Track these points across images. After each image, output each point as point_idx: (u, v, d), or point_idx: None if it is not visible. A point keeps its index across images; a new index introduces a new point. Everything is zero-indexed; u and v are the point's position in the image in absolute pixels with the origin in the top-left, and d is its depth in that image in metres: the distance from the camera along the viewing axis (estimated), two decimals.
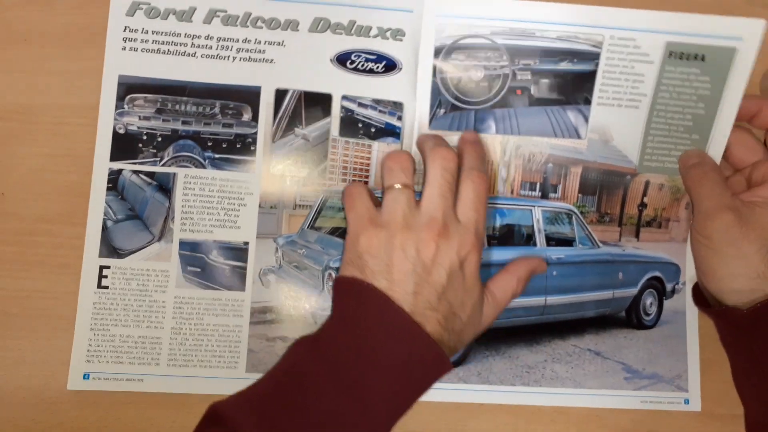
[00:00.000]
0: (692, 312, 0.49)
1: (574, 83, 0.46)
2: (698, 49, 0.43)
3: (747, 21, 0.43)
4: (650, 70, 0.44)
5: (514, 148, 0.47)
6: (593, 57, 0.45)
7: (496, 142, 0.47)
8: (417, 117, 0.46)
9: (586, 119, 0.46)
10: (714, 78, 0.44)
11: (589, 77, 0.45)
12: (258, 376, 0.46)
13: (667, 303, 0.49)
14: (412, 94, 0.46)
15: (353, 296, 0.37)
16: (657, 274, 0.51)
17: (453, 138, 0.46)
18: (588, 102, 0.46)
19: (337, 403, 0.34)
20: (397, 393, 0.36)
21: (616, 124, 0.46)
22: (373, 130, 0.46)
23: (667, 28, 0.44)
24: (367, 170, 0.46)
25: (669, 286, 0.50)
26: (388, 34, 0.46)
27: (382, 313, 0.36)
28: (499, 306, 0.42)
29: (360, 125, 0.46)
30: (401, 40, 0.46)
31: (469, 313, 0.39)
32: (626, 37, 0.44)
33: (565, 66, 0.46)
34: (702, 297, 0.46)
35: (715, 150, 0.45)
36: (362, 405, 0.35)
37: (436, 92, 0.46)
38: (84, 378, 0.45)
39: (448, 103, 0.46)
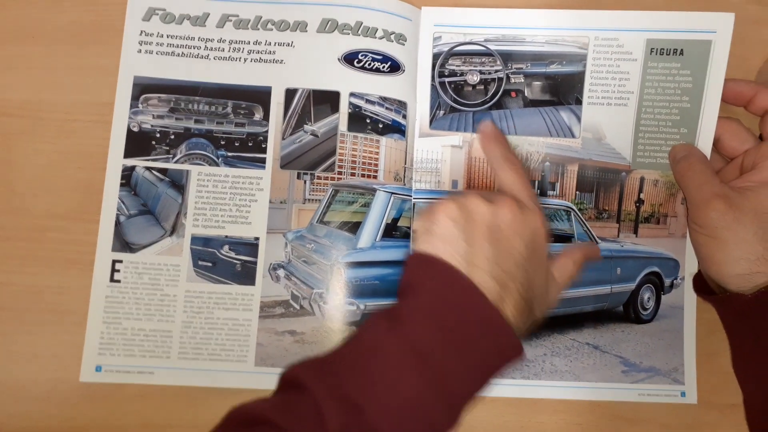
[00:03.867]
0: (690, 306, 0.54)
1: (564, 84, 0.53)
2: (677, 44, 0.52)
3: (719, 15, 0.52)
4: (634, 68, 0.52)
5: (511, 147, 0.53)
6: (581, 58, 0.53)
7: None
8: (418, 117, 0.53)
9: (579, 119, 0.53)
10: (694, 71, 0.52)
11: (578, 78, 0.53)
12: (267, 369, 0.52)
13: (664, 298, 0.55)
14: (413, 95, 0.53)
15: (430, 274, 0.42)
16: (655, 269, 0.57)
17: (454, 138, 0.53)
18: (579, 102, 0.53)
19: (414, 380, 0.38)
20: (471, 374, 0.41)
21: (607, 122, 0.53)
22: (380, 125, 0.53)
23: (647, 26, 0.53)
24: (376, 165, 0.52)
25: (667, 282, 0.55)
26: (392, 37, 0.53)
27: (458, 293, 0.41)
28: (560, 288, 0.47)
29: (368, 121, 0.52)
30: (403, 45, 0.53)
31: (541, 285, 0.45)
32: (610, 37, 0.52)
33: (555, 68, 0.53)
34: (704, 285, 0.51)
35: (704, 141, 0.52)
36: (439, 383, 0.39)
37: (435, 95, 0.53)
38: (96, 370, 0.50)
39: (447, 105, 0.54)
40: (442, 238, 0.42)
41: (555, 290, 0.47)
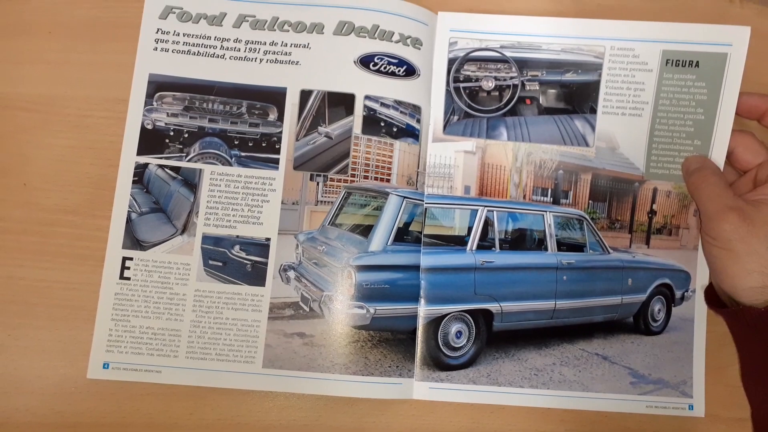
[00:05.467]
0: (700, 319, 0.55)
1: (579, 93, 0.55)
2: (692, 56, 0.53)
3: (735, 28, 0.54)
4: (649, 78, 0.54)
5: (525, 154, 0.55)
6: (596, 67, 0.54)
7: (507, 148, 0.55)
8: (432, 122, 0.55)
9: (593, 128, 0.55)
10: (709, 83, 0.54)
11: (593, 87, 0.55)
12: (275, 371, 0.53)
13: (675, 310, 0.56)
14: (428, 99, 0.54)
15: None
16: (666, 281, 0.59)
17: (467, 144, 0.55)
18: (594, 111, 0.55)
19: None
20: None
21: (621, 132, 0.55)
22: (395, 129, 0.54)
23: (663, 37, 0.54)
24: (389, 168, 0.54)
25: (678, 294, 0.57)
26: (408, 41, 0.54)
27: None
28: None
29: (382, 124, 0.54)
30: (419, 49, 0.54)
31: None
32: (626, 47, 0.54)
33: (570, 77, 0.55)
34: (716, 298, 0.52)
35: (718, 154, 0.54)
36: None
37: (449, 100, 0.55)
38: (104, 367, 0.51)
39: (461, 111, 0.55)
40: None
41: None
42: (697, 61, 0.54)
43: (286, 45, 0.55)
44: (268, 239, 0.53)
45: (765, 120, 0.53)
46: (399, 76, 0.54)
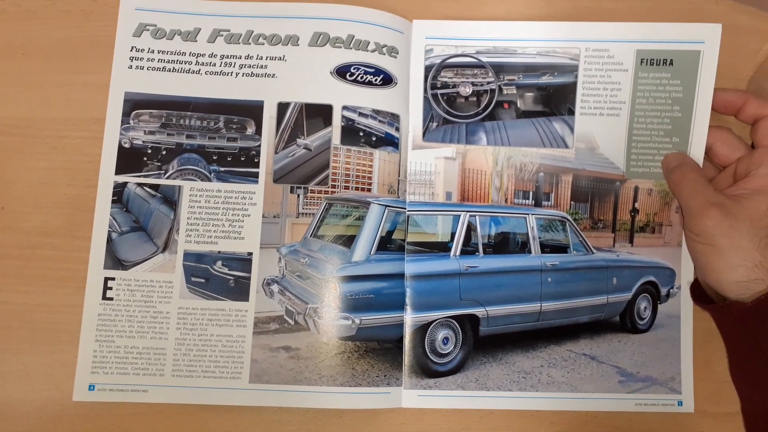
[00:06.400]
0: (686, 315, 0.56)
1: (557, 95, 0.56)
2: (666, 55, 0.55)
3: (707, 26, 0.55)
4: (625, 78, 0.55)
5: (505, 158, 0.56)
6: (572, 69, 0.55)
7: (487, 153, 0.56)
8: (411, 129, 0.55)
9: (572, 129, 0.56)
10: (684, 81, 0.55)
11: (570, 89, 0.56)
12: (262, 386, 0.54)
13: (661, 307, 0.57)
14: (406, 107, 0.55)
15: None
16: (651, 278, 0.60)
17: (447, 150, 0.55)
18: (572, 112, 0.56)
19: None
20: None
21: (600, 132, 0.56)
22: (374, 138, 0.55)
23: (637, 37, 0.56)
24: (370, 178, 0.54)
25: (664, 291, 0.58)
26: (384, 50, 0.55)
27: None
28: None
29: (361, 134, 0.55)
30: (395, 57, 0.55)
31: None
32: (600, 48, 0.55)
33: (546, 79, 0.56)
34: (701, 294, 0.53)
35: (697, 150, 0.55)
36: None
37: (428, 107, 0.56)
38: (89, 389, 0.52)
39: (440, 117, 0.56)
40: None
41: None
42: (671, 60, 0.55)
43: (261, 58, 0.55)
44: (250, 254, 0.54)
45: (741, 115, 0.54)
46: (376, 85, 0.55)
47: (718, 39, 0.54)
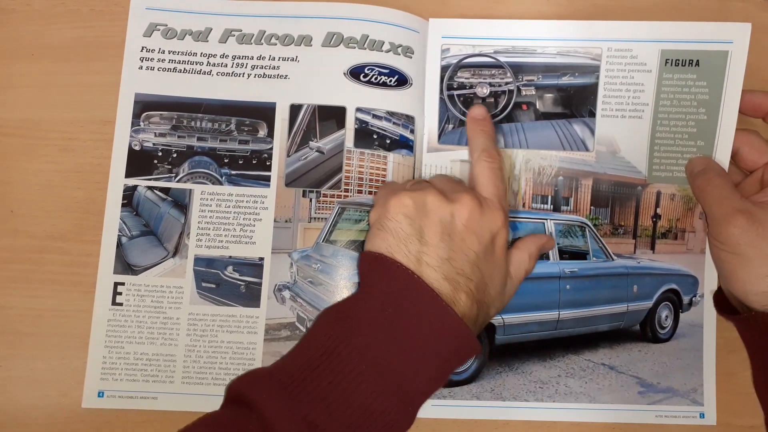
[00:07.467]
0: (709, 325, 0.55)
1: (577, 96, 0.55)
2: (692, 55, 0.53)
3: (736, 25, 0.53)
4: (649, 79, 0.54)
5: (523, 161, 0.55)
6: (593, 70, 0.54)
7: (505, 156, 0.55)
8: (426, 132, 0.55)
9: (593, 131, 0.55)
10: (711, 82, 0.54)
11: (591, 90, 0.55)
12: None
13: (683, 316, 0.56)
14: (421, 109, 0.54)
15: (381, 274, 0.44)
16: (673, 286, 0.58)
17: (463, 153, 0.55)
18: (592, 114, 0.55)
19: (367, 387, 0.41)
20: (427, 375, 0.43)
21: (621, 135, 0.55)
22: (388, 141, 0.54)
23: (661, 37, 0.54)
24: (384, 181, 0.54)
25: (686, 299, 0.56)
26: (399, 50, 0.54)
27: (411, 295, 0.43)
28: (516, 283, 0.50)
29: (375, 136, 0.54)
30: (411, 57, 0.54)
31: (497, 287, 0.47)
32: (623, 48, 0.54)
33: (567, 80, 0.55)
34: (725, 303, 0.52)
35: (722, 154, 0.54)
36: (393, 387, 0.41)
37: (444, 108, 0.55)
38: (99, 396, 0.51)
39: (456, 119, 0.55)
40: (395, 235, 0.45)
41: (511, 287, 0.50)
42: (698, 60, 0.54)
43: (273, 59, 0.54)
44: (261, 259, 0.53)
45: None
46: (390, 86, 0.54)
47: (747, 39, 0.52)
